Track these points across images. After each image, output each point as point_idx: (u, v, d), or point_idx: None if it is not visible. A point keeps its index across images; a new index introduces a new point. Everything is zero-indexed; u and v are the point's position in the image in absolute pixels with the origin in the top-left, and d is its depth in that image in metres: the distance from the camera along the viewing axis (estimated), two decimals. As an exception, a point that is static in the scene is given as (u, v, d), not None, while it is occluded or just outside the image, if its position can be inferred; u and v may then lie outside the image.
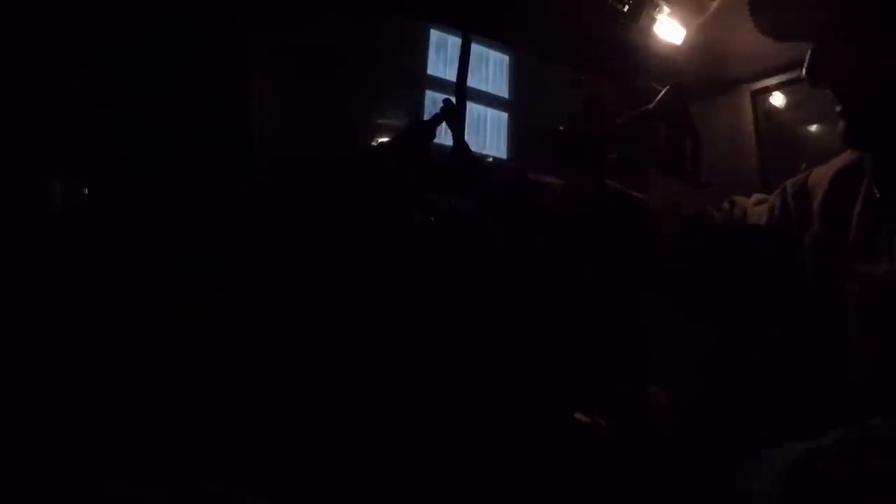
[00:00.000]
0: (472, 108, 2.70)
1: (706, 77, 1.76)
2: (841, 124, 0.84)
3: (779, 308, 1.01)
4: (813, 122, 1.77)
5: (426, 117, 1.10)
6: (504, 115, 3.04)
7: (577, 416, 0.78)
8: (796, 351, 0.97)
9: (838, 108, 0.83)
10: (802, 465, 0.63)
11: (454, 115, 1.08)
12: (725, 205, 1.12)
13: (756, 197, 1.12)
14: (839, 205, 0.92)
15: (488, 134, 2.83)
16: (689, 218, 1.09)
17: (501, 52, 3.08)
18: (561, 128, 1.32)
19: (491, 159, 1.97)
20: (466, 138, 1.12)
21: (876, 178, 0.86)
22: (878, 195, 0.85)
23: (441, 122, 1.08)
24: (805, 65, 0.83)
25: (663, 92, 1.14)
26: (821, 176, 0.99)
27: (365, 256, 1.09)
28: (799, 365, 0.89)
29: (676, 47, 1.67)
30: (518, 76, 3.13)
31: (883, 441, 0.63)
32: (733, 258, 1.04)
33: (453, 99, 1.15)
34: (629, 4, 1.56)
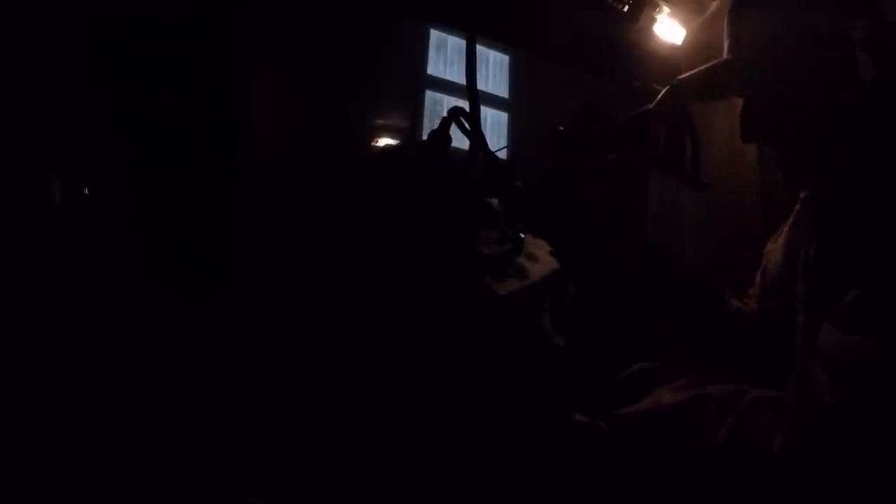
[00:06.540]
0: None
1: (706, 77, 1.76)
2: (779, 173, 0.91)
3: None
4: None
5: (425, 116, 1.10)
6: (504, 115, 3.04)
7: (577, 416, 0.78)
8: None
9: (776, 157, 0.91)
10: None
11: (468, 116, 1.07)
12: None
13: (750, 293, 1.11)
14: (789, 276, 0.94)
15: (488, 134, 2.83)
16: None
17: (501, 52, 3.08)
18: (561, 128, 1.31)
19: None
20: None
21: (821, 212, 0.89)
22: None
23: (450, 124, 1.07)
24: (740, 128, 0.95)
25: (663, 92, 1.13)
26: (772, 250, 1.02)
27: (369, 257, 1.09)
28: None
29: (676, 47, 1.67)
30: (518, 76, 3.13)
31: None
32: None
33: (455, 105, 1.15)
34: (629, 4, 1.56)
